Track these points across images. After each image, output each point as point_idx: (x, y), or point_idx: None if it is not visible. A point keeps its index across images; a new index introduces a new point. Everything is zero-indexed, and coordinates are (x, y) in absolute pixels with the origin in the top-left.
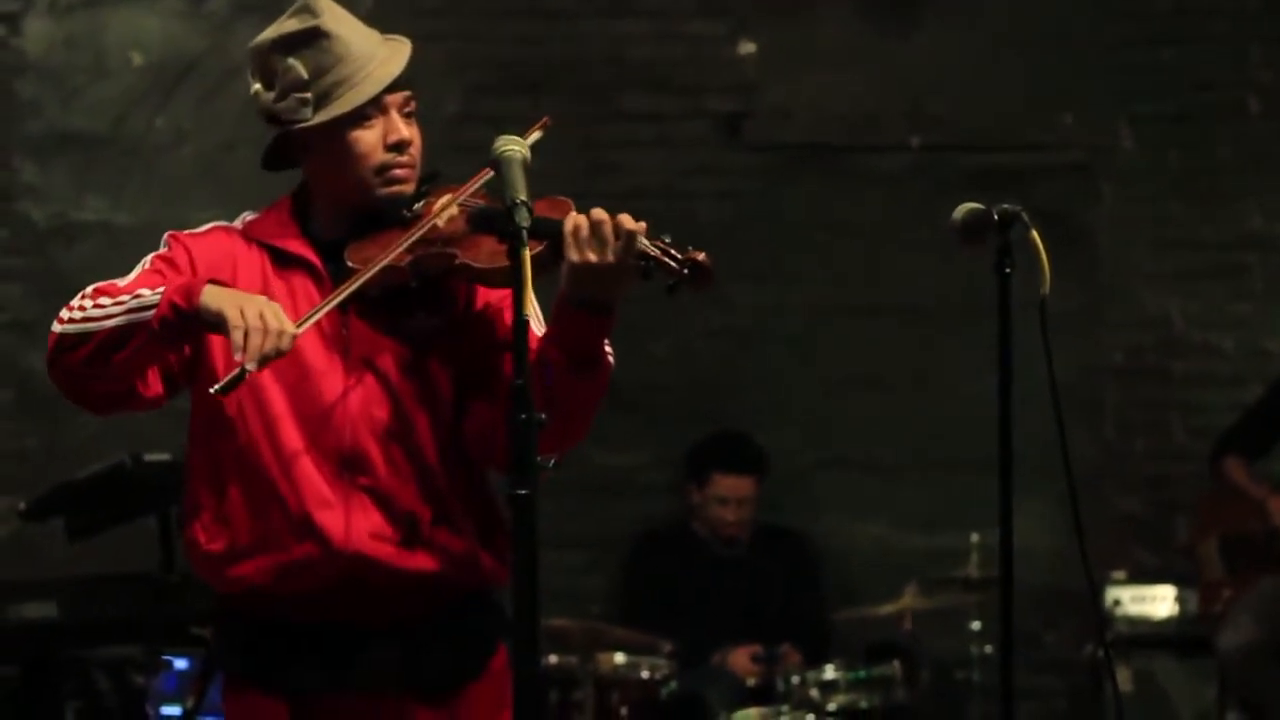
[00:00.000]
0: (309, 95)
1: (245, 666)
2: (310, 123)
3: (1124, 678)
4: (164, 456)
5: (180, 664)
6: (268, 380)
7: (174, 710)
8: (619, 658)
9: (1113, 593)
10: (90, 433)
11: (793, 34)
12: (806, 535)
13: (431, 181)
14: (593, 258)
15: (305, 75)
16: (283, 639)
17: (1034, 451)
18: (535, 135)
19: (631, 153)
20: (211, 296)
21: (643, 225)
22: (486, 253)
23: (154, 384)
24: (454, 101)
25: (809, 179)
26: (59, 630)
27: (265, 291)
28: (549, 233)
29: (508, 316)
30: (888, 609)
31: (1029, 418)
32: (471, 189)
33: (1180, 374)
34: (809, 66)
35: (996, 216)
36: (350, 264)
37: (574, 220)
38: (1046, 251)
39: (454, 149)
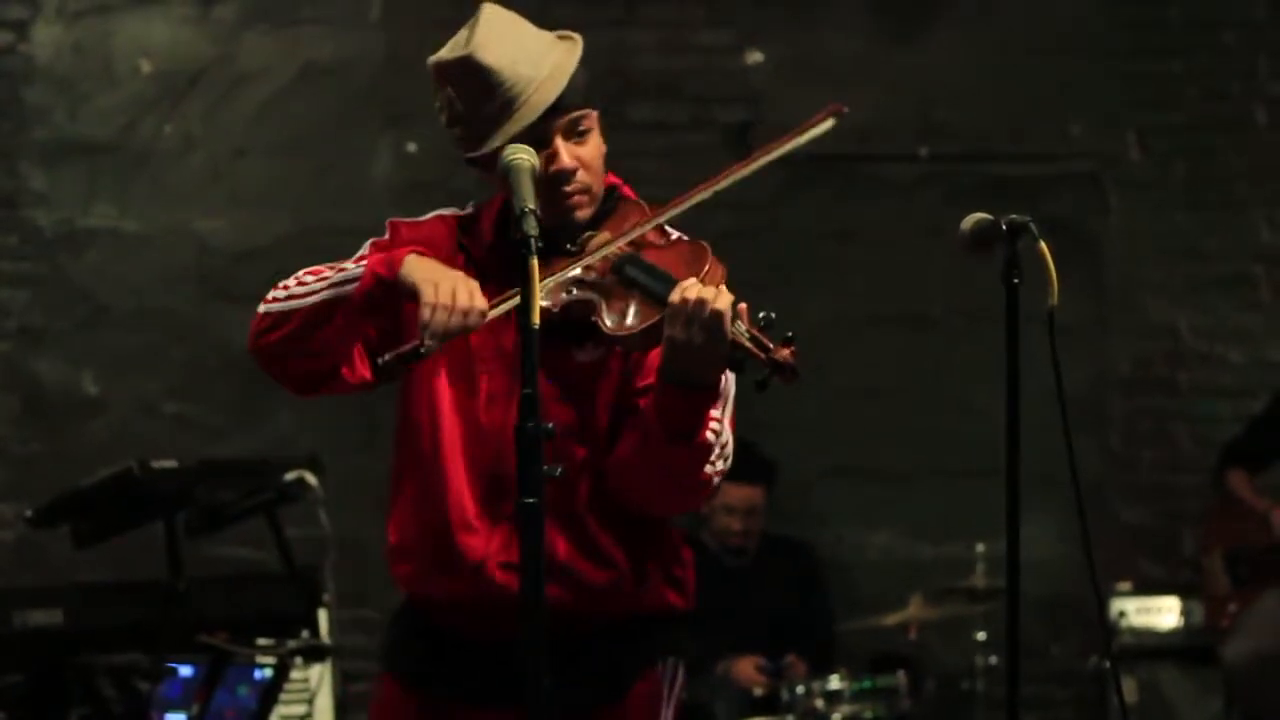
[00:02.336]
0: (469, 128)
1: (393, 664)
2: (475, 154)
3: (1129, 689)
4: (171, 464)
5: (186, 671)
6: (445, 390)
7: (179, 718)
8: None
9: (1118, 604)
10: (97, 439)
11: (801, 44)
12: (813, 545)
13: (611, 199)
14: (681, 336)
15: (461, 108)
16: (430, 644)
17: (1039, 462)
18: (827, 125)
19: (640, 162)
20: (411, 266)
21: (742, 308)
22: (620, 313)
23: (360, 369)
24: None
25: (817, 189)
26: (65, 637)
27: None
28: (657, 299)
29: (656, 356)
30: (893, 619)
31: (1034, 428)
32: (633, 234)
33: (1187, 385)
34: (817, 76)
35: (1005, 227)
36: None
37: (674, 296)
38: (1055, 262)
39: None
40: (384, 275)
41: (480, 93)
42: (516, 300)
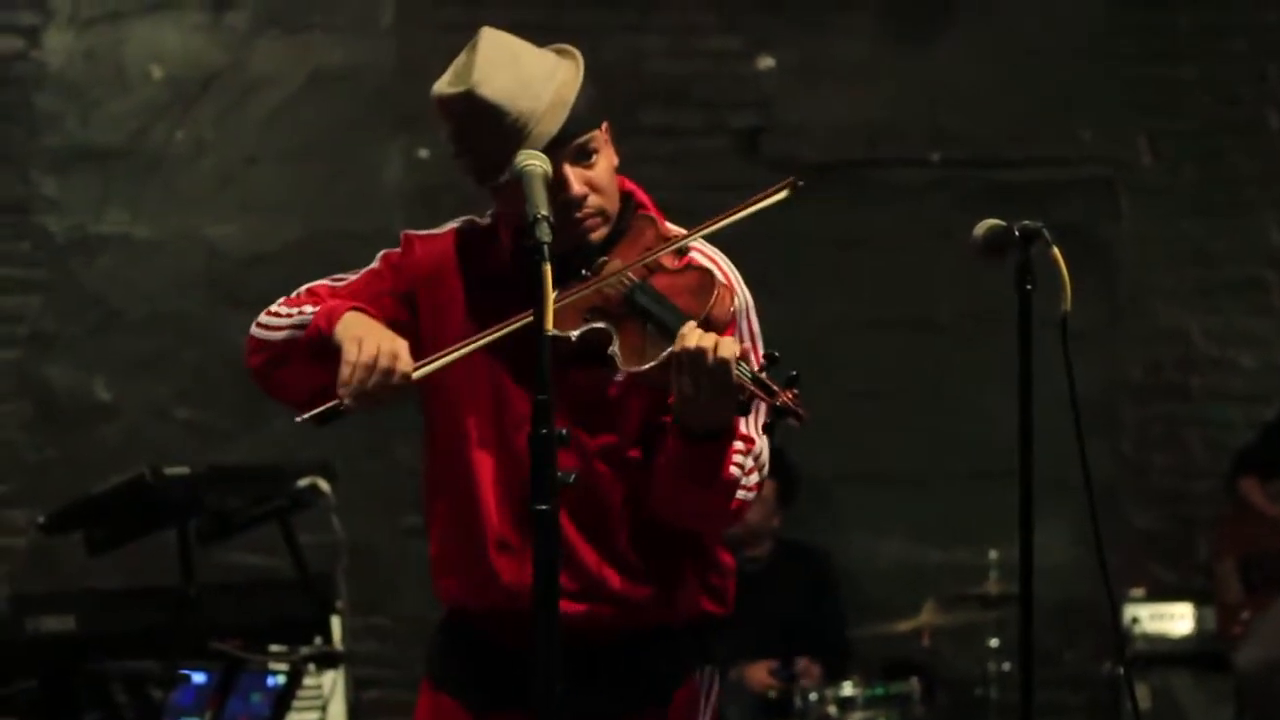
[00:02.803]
0: (474, 161)
1: (436, 671)
2: (482, 185)
3: (1142, 695)
4: (183, 470)
5: (198, 678)
6: (476, 411)
7: None
8: None
9: (1131, 610)
10: (109, 445)
11: (811, 49)
12: (827, 551)
13: (625, 216)
14: (689, 388)
15: (465, 144)
16: (473, 653)
17: (1051, 467)
18: (781, 195)
19: (651, 167)
20: (345, 324)
21: (745, 349)
22: (632, 349)
23: None
24: None
25: (828, 194)
26: (78, 643)
27: (465, 303)
28: (668, 331)
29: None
30: (906, 625)
31: (1046, 433)
32: (644, 259)
33: (1198, 390)
34: (828, 82)
35: (1018, 234)
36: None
37: (677, 346)
38: (1068, 270)
39: None
40: (323, 328)
41: (483, 129)
42: (451, 357)
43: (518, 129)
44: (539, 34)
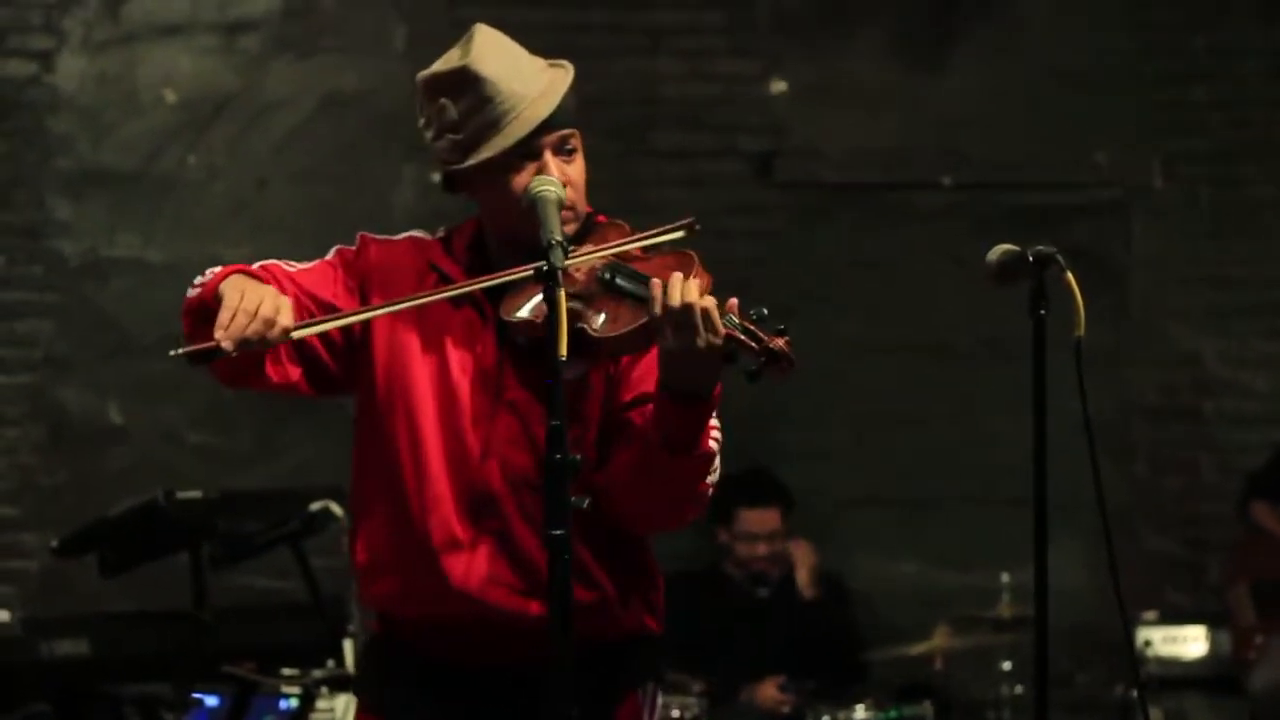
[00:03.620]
0: (460, 138)
1: (372, 696)
2: (461, 166)
3: (1155, 718)
4: (196, 494)
5: (211, 701)
6: (425, 407)
7: None
8: None
9: (1144, 633)
10: (123, 469)
11: (824, 73)
12: (838, 574)
13: (589, 222)
14: (674, 342)
15: (455, 117)
16: (411, 672)
17: (1064, 490)
18: (678, 234)
19: (664, 190)
20: (228, 283)
21: (732, 303)
22: (606, 319)
23: (289, 369)
24: None
25: (840, 217)
26: (91, 666)
27: (428, 317)
28: (643, 301)
29: (651, 373)
30: (919, 648)
31: (1058, 456)
32: (614, 249)
33: (1212, 413)
34: (840, 105)
35: (1031, 258)
36: (502, 316)
37: (659, 303)
38: (1080, 291)
39: None
40: (210, 285)
41: (475, 103)
42: (327, 325)
43: (507, 109)
44: (555, 57)
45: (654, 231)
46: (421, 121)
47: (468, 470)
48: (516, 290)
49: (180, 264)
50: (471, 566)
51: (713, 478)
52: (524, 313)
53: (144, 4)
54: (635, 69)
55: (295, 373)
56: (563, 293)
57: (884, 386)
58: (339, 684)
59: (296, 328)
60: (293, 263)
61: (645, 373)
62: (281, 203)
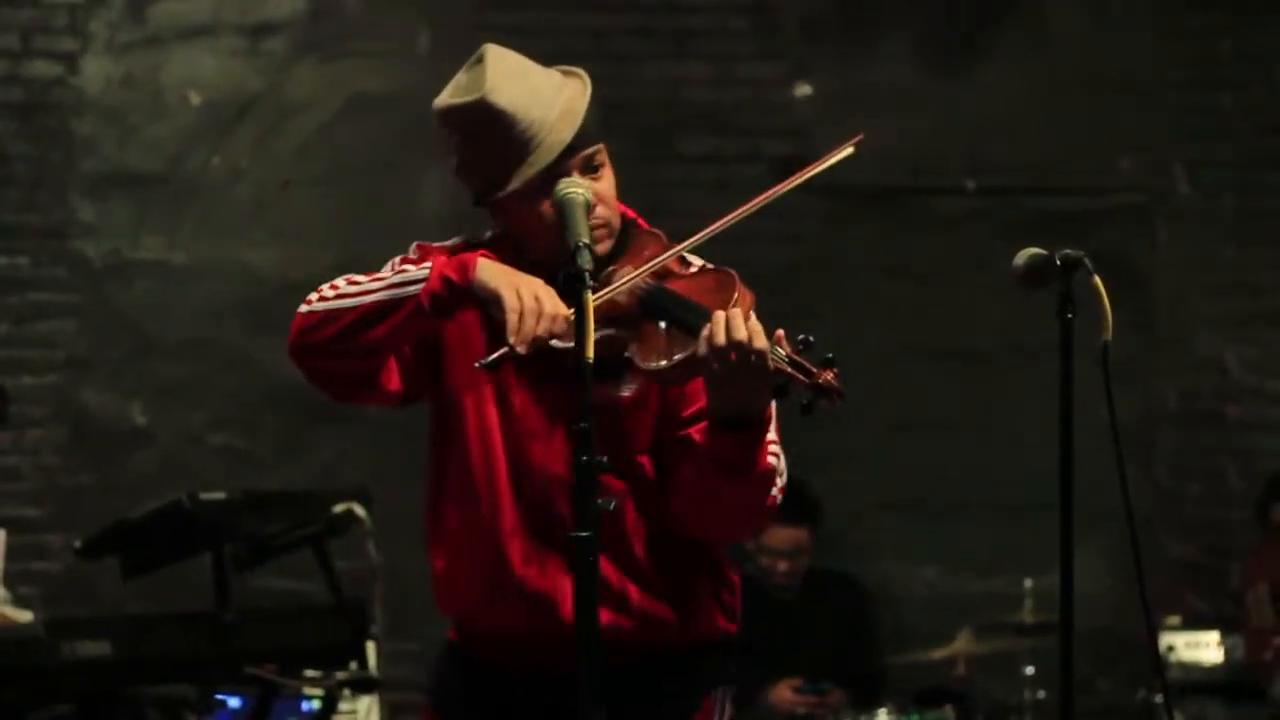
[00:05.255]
0: (485, 171)
1: (443, 703)
2: (490, 198)
3: None
4: (219, 495)
5: (234, 703)
6: (494, 421)
7: None
8: None
9: (1166, 638)
10: (146, 470)
11: (850, 77)
12: (858, 578)
13: (626, 232)
14: (723, 377)
15: (473, 154)
16: (480, 682)
17: (1086, 495)
18: (847, 151)
19: (689, 194)
20: (487, 272)
21: (779, 335)
22: (653, 348)
23: (393, 377)
24: None
25: (866, 222)
26: (113, 668)
27: (466, 324)
28: (689, 330)
29: (700, 392)
30: (941, 653)
31: (1081, 462)
32: (654, 266)
33: (1235, 419)
34: (866, 109)
35: (1059, 263)
36: (551, 344)
37: (707, 340)
38: (1108, 297)
39: None
40: (454, 279)
41: (496, 138)
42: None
43: (529, 137)
44: (581, 63)
45: (820, 162)
46: (445, 149)
47: (533, 488)
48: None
49: (204, 266)
50: (543, 578)
51: (778, 488)
52: (574, 341)
53: (169, 6)
54: (661, 73)
55: (398, 381)
56: (589, 295)
57: (908, 390)
58: (361, 686)
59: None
60: (377, 274)
61: (700, 388)
62: (305, 205)
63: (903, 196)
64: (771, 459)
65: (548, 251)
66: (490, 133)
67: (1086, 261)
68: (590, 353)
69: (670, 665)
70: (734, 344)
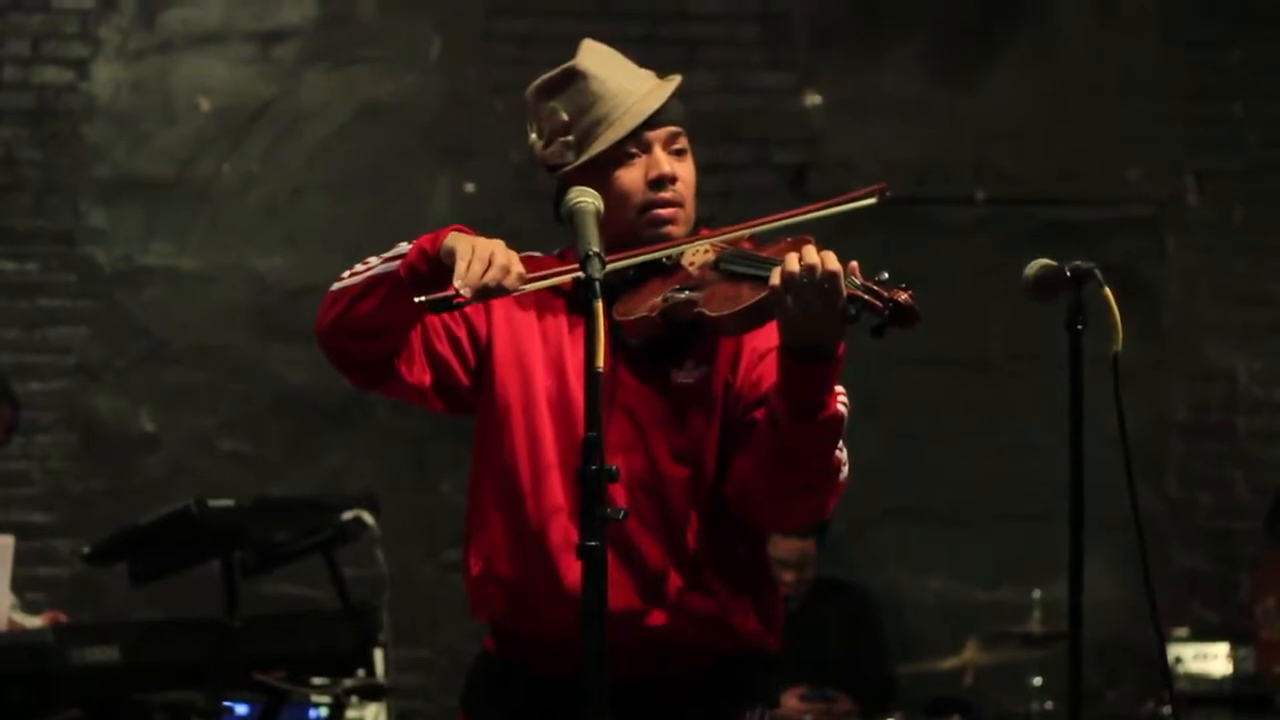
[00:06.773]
0: (571, 138)
1: (480, 712)
2: (574, 165)
3: None
4: (228, 502)
5: (241, 710)
6: (542, 413)
7: None
8: None
9: (1174, 649)
10: (155, 476)
11: (858, 86)
12: (862, 587)
13: (696, 233)
14: (796, 307)
15: (566, 118)
16: (523, 689)
17: (1094, 506)
18: (869, 201)
19: (698, 202)
20: (453, 238)
21: (853, 265)
22: (721, 298)
23: (419, 370)
24: (523, 149)
25: (874, 231)
26: (121, 674)
27: (544, 322)
28: (762, 280)
29: (771, 373)
30: (949, 664)
31: (1090, 472)
32: (731, 235)
33: (1244, 430)
34: (874, 118)
35: (1069, 273)
36: (617, 317)
37: (781, 270)
38: (1117, 308)
39: (523, 196)
40: (428, 250)
41: (584, 101)
42: (550, 280)
43: (616, 104)
44: None
45: (841, 198)
46: (532, 135)
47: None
48: (631, 292)
49: (214, 272)
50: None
51: (844, 455)
52: (641, 312)
53: (180, 12)
54: None
55: (427, 378)
56: (600, 305)
57: (916, 400)
58: (369, 693)
59: (529, 279)
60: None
61: (766, 373)
62: (316, 212)
63: (910, 205)
64: (840, 407)
65: (619, 228)
66: (578, 97)
67: (1097, 273)
68: (601, 362)
69: (711, 674)
70: (807, 267)
